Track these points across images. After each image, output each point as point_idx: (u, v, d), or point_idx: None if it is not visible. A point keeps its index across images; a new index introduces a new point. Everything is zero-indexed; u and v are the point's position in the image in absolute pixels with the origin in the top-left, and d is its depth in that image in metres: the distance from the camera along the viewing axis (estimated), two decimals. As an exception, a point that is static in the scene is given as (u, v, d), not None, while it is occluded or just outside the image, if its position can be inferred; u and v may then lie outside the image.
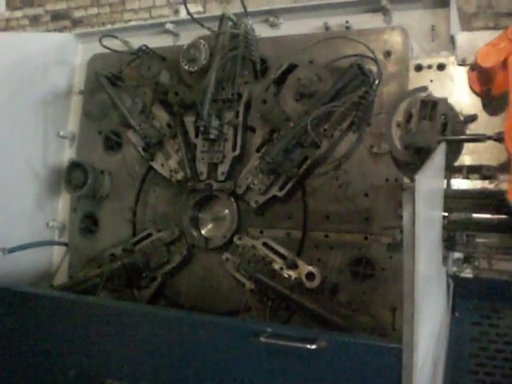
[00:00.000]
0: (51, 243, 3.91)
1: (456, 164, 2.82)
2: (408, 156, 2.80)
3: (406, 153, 2.80)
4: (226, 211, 3.35)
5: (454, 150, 2.78)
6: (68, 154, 3.98)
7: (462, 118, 2.81)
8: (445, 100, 2.74)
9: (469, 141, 2.75)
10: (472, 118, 2.84)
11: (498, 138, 2.58)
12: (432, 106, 2.69)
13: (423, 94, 2.79)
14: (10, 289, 3.12)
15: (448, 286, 2.70)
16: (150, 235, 3.48)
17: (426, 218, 1.94)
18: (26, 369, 3.00)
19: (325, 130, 2.99)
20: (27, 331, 3.02)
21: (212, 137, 3.25)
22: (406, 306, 1.84)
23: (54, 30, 4.85)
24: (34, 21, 5.42)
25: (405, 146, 2.75)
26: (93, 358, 2.87)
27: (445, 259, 2.63)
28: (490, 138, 2.62)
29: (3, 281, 3.36)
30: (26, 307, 3.05)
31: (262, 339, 2.32)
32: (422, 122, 2.69)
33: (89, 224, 3.78)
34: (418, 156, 2.71)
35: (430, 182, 2.08)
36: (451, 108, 2.76)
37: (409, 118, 2.78)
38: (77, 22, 4.93)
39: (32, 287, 3.60)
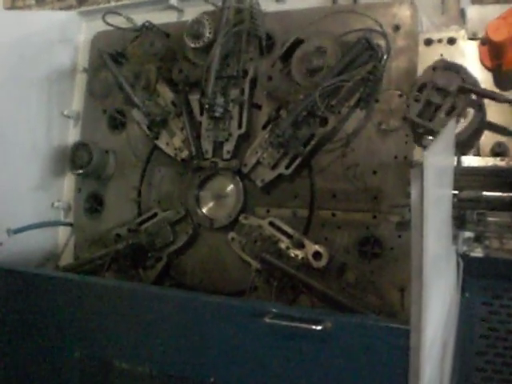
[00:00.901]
0: (56, 224, 3.88)
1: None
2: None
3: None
4: (232, 190, 3.30)
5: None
6: (72, 134, 3.94)
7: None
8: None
9: (488, 97, 2.67)
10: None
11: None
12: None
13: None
14: (15, 270, 3.11)
15: (458, 265, 2.65)
16: (155, 215, 3.45)
17: (435, 195, 1.89)
18: (30, 350, 3.00)
19: (332, 106, 2.92)
20: (33, 312, 3.02)
21: (217, 114, 3.20)
22: (413, 286, 1.78)
23: (60, 9, 4.79)
24: (41, 0, 5.37)
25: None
26: (98, 339, 2.87)
27: (455, 238, 2.58)
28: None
29: (9, 262, 3.35)
30: (32, 288, 3.05)
31: (267, 320, 2.30)
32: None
33: (94, 204, 3.76)
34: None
35: (439, 159, 2.02)
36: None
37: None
38: (82, 1, 4.87)
39: (37, 268, 3.59)
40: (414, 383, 1.90)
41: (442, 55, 2.88)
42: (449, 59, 2.81)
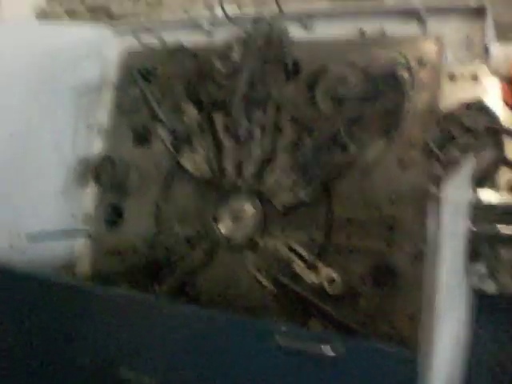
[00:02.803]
0: (74, 233, 3.93)
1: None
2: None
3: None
4: (250, 211, 3.33)
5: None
6: (97, 146, 4.00)
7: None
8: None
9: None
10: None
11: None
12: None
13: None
14: (29, 276, 3.15)
15: (469, 299, 2.66)
16: (172, 230, 3.49)
17: (452, 228, 1.92)
18: (40, 355, 3.02)
19: (353, 134, 2.96)
20: (44, 318, 3.04)
21: (240, 138, 3.26)
22: (425, 315, 1.81)
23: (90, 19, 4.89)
24: (73, 15, 5.49)
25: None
26: (108, 347, 2.88)
27: (467, 272, 2.59)
28: None
29: (23, 267, 3.39)
30: (45, 295, 3.07)
31: (277, 339, 2.31)
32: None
33: (113, 216, 3.80)
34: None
35: (456, 192, 2.05)
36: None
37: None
38: (114, 17, 4.97)
39: (52, 275, 3.62)
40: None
41: (464, 90, 2.93)
42: (471, 95, 2.87)
